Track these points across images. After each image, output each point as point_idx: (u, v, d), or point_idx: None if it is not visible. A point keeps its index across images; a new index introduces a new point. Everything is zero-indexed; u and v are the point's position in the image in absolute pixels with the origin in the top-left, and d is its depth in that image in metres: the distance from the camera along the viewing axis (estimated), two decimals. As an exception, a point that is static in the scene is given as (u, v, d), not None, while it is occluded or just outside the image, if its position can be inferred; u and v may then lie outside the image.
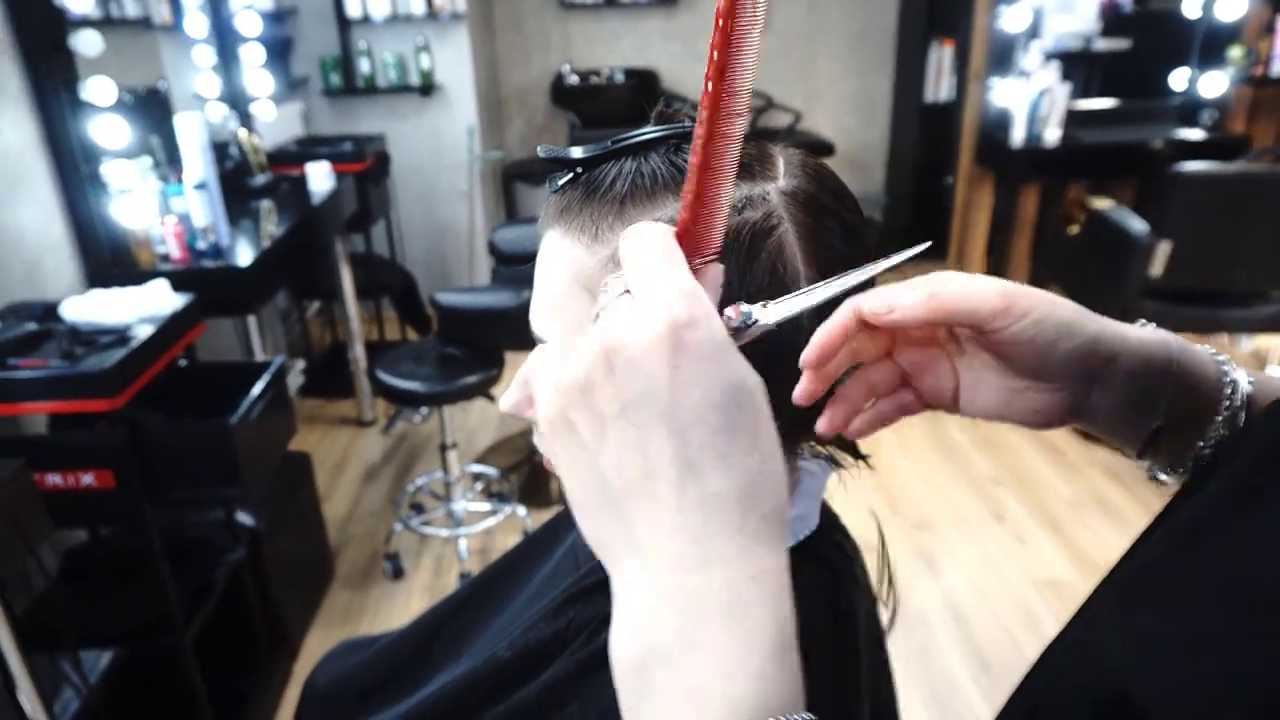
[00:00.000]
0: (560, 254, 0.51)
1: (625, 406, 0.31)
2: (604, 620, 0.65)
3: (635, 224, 0.35)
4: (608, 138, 0.50)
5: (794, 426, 0.55)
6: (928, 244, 0.44)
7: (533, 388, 0.39)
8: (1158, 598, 0.38)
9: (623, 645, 0.33)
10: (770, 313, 0.37)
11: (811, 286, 0.38)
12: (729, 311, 0.36)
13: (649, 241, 0.33)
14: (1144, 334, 0.47)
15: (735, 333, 0.35)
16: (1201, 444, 0.45)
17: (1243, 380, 0.45)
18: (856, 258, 0.52)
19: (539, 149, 0.47)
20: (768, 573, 0.31)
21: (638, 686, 0.32)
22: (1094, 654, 0.40)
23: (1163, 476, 0.48)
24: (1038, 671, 0.44)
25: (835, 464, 0.61)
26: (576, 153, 0.49)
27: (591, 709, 0.59)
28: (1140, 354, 0.46)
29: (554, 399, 0.33)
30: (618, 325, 0.31)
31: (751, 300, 0.38)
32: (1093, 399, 0.46)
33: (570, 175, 0.49)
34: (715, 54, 0.33)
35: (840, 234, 0.50)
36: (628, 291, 0.33)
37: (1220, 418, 0.45)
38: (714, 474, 0.30)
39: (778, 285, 0.48)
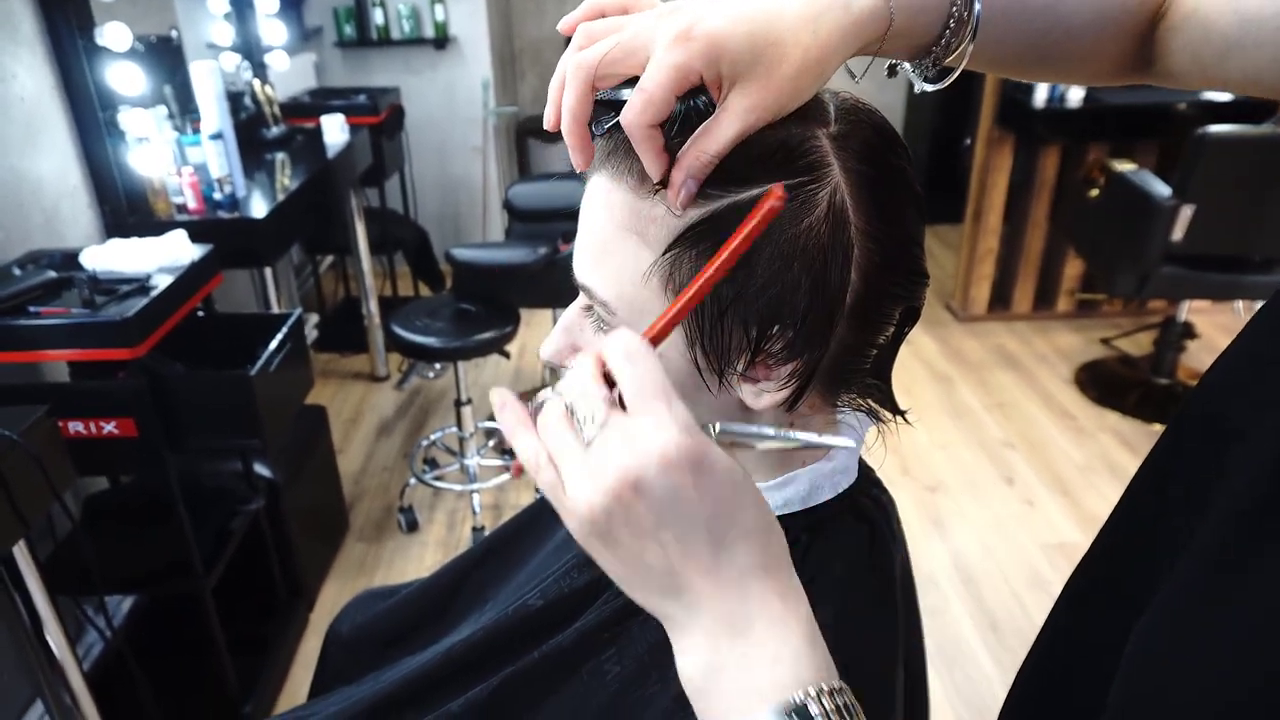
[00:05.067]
0: (606, 198, 0.51)
1: (661, 516, 0.39)
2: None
3: (620, 343, 0.41)
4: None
5: (834, 379, 0.55)
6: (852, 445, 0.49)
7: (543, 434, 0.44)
8: (1211, 630, 0.42)
9: (691, 667, 0.42)
10: (719, 432, 0.45)
11: (763, 432, 0.46)
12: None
13: (644, 375, 0.40)
14: None
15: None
16: (935, 48, 0.50)
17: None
18: (906, 204, 0.51)
19: None
20: (790, 589, 0.42)
21: (706, 692, 0.41)
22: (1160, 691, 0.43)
23: (923, 85, 0.54)
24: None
25: (874, 418, 0.60)
26: (626, 94, 0.48)
27: (628, 654, 0.60)
28: None
29: (590, 522, 0.40)
30: (635, 455, 0.39)
31: None
32: None
33: (617, 119, 0.48)
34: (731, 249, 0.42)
35: (891, 180, 0.50)
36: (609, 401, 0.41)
37: (949, 19, 0.49)
38: (740, 547, 0.41)
39: (822, 229, 0.48)
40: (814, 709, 0.38)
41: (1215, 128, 2.58)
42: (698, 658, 0.41)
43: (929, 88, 0.53)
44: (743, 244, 0.42)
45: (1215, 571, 0.42)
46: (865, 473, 0.63)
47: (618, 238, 0.50)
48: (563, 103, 0.48)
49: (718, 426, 0.44)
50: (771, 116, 0.46)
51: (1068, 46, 0.55)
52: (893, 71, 0.54)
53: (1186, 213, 2.67)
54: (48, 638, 1.40)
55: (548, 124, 0.50)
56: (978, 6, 0.48)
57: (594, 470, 0.40)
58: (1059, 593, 0.61)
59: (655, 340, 0.43)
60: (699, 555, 0.40)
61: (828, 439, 0.46)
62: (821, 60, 0.45)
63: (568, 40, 0.50)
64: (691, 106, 0.47)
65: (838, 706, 0.39)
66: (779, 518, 0.58)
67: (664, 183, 0.47)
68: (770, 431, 0.45)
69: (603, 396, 0.41)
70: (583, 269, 0.53)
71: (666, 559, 0.40)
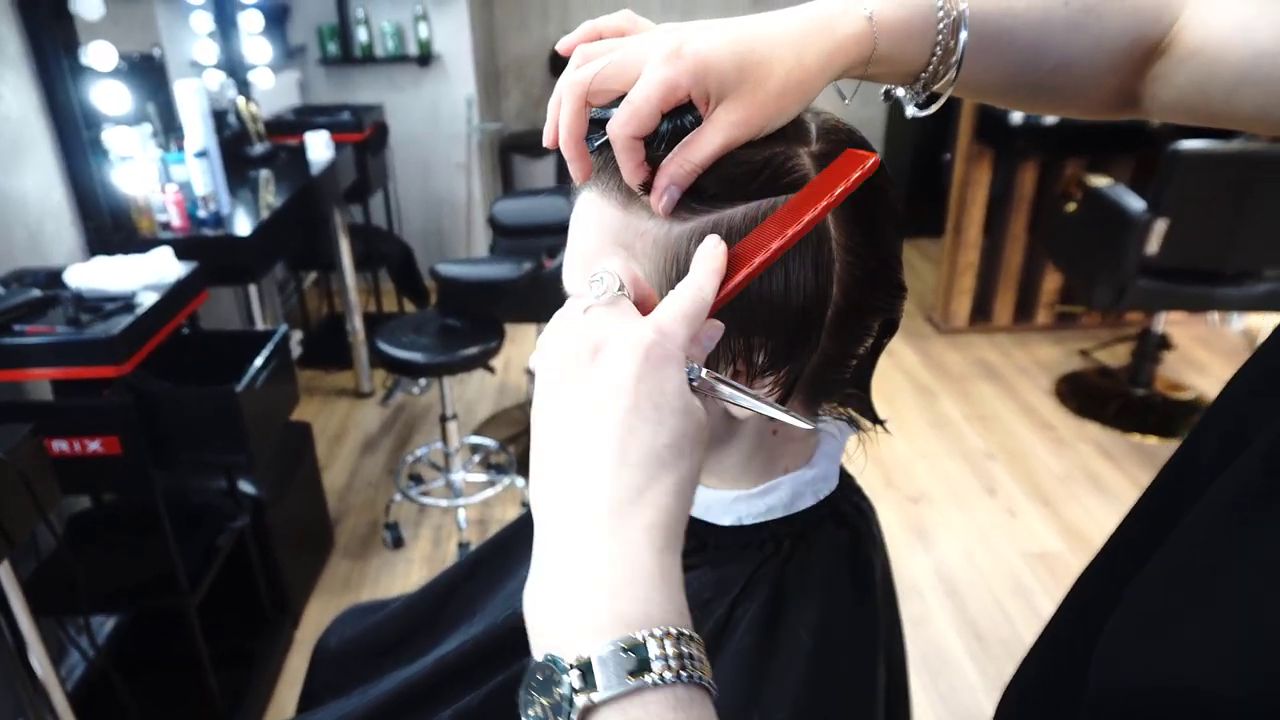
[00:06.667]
0: (596, 213, 0.52)
1: (590, 383, 0.41)
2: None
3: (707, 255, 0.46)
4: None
5: (814, 388, 0.57)
6: None
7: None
8: (1214, 594, 0.41)
9: (533, 589, 0.40)
10: (708, 382, 0.45)
11: (753, 394, 0.47)
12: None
13: (689, 303, 0.44)
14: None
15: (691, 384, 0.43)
16: (923, 74, 0.52)
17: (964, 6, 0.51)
18: (885, 220, 0.53)
19: None
20: (655, 526, 0.39)
21: (543, 617, 0.39)
22: (1163, 659, 0.43)
23: (912, 108, 0.55)
24: (1098, 677, 0.47)
25: (855, 426, 0.62)
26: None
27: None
28: None
29: (549, 363, 0.43)
30: (612, 328, 0.42)
31: None
32: None
33: (606, 136, 0.50)
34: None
35: (871, 197, 0.51)
36: (621, 290, 0.45)
37: (935, 47, 0.50)
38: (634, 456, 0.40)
39: (805, 245, 0.49)
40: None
41: (1188, 143, 2.63)
42: (546, 573, 0.40)
43: (919, 113, 0.55)
44: (835, 201, 0.46)
45: (1193, 558, 0.43)
46: (846, 480, 0.65)
47: (605, 251, 0.52)
48: (559, 120, 0.50)
49: (702, 371, 0.44)
50: (755, 132, 0.48)
51: (1059, 80, 0.55)
52: (888, 96, 0.55)
53: (1161, 226, 2.71)
54: (31, 658, 1.39)
55: (546, 141, 0.51)
56: (964, 35, 0.50)
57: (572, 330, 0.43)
58: (1053, 606, 0.62)
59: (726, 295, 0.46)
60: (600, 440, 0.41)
61: (794, 419, 0.47)
62: (805, 81, 0.47)
63: (560, 60, 0.52)
64: (678, 125, 0.49)
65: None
66: (763, 524, 0.60)
67: (648, 189, 0.49)
68: (747, 395, 0.46)
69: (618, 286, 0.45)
70: (572, 279, 0.55)
71: (573, 430, 0.42)
